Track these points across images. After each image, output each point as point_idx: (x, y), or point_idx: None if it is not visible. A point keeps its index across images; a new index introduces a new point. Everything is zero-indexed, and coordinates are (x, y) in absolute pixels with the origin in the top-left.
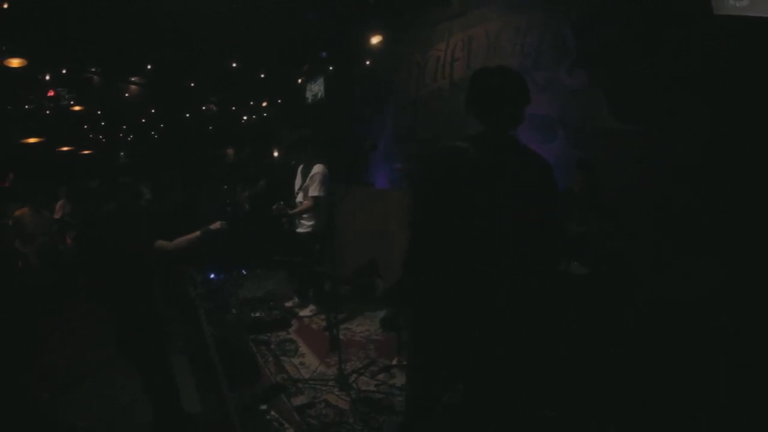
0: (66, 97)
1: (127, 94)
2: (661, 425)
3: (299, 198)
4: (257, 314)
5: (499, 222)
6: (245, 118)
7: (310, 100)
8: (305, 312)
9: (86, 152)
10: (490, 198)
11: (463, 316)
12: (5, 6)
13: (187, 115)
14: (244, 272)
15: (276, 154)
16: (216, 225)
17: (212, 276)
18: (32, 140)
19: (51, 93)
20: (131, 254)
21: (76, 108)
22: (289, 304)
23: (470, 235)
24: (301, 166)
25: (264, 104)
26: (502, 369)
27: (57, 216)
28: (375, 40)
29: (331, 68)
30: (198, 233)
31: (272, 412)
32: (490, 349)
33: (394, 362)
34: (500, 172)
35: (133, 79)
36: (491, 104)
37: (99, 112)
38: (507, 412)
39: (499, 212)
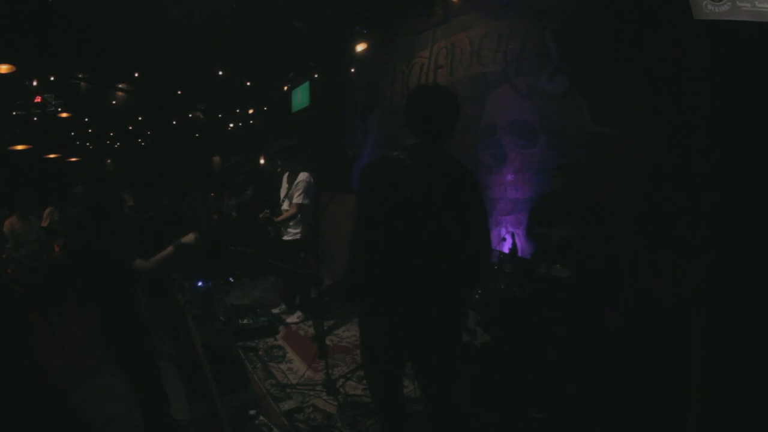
0: (53, 103)
1: (114, 101)
2: (646, 425)
3: (285, 206)
4: (245, 321)
5: (429, 224)
6: (231, 125)
7: (295, 108)
8: (292, 319)
9: (73, 159)
10: (420, 202)
11: (401, 308)
12: None
13: (174, 122)
14: (231, 279)
15: (262, 161)
16: (189, 237)
17: (199, 283)
18: (20, 147)
19: (38, 99)
20: (115, 260)
21: (64, 114)
22: (276, 311)
23: (403, 237)
24: (286, 174)
25: (250, 112)
26: (440, 347)
27: (44, 224)
28: (360, 47)
29: (316, 76)
30: (171, 249)
31: (261, 417)
32: (428, 334)
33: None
34: (429, 179)
35: (120, 86)
36: (424, 120)
37: (86, 119)
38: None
39: (428, 215)
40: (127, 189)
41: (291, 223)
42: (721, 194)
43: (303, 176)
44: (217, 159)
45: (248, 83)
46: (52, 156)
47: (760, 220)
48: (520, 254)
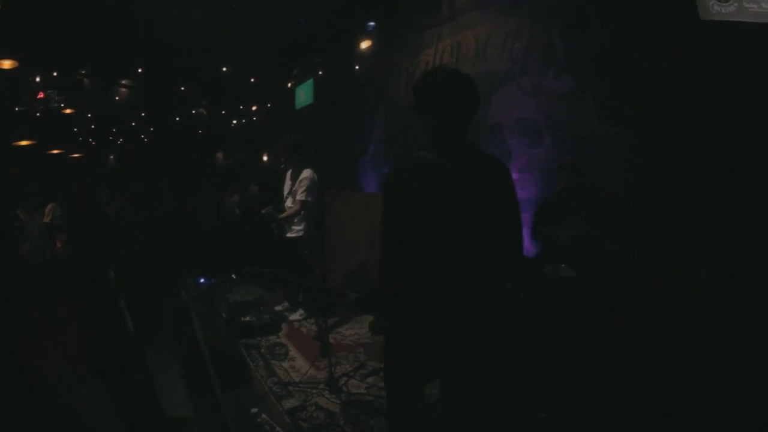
0: (56, 99)
1: (117, 97)
2: (650, 426)
3: (288, 203)
4: (247, 318)
5: (464, 225)
6: (235, 122)
7: (299, 105)
8: (295, 316)
9: (76, 155)
10: (449, 199)
11: (436, 314)
12: None
13: (178, 119)
14: (233, 276)
15: (266, 158)
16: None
17: (202, 280)
18: (23, 143)
19: (41, 95)
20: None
21: (67, 110)
22: (278, 308)
23: (438, 240)
24: (290, 171)
25: (254, 108)
26: (473, 363)
27: (46, 219)
28: (365, 44)
29: (320, 73)
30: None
31: (263, 415)
32: (461, 345)
33: (384, 365)
34: (464, 177)
35: (123, 82)
36: (450, 108)
37: (89, 115)
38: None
39: (463, 216)
40: (104, 184)
41: (295, 220)
42: (721, 194)
43: (307, 173)
44: (220, 155)
45: (252, 80)
46: (55, 152)
47: (760, 221)
48: (525, 254)
